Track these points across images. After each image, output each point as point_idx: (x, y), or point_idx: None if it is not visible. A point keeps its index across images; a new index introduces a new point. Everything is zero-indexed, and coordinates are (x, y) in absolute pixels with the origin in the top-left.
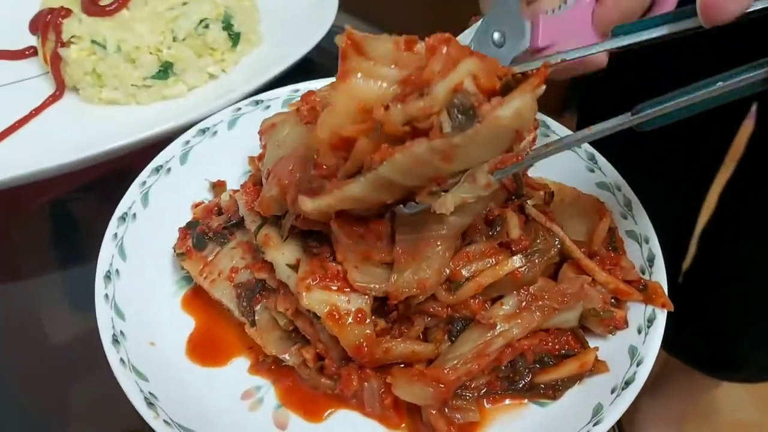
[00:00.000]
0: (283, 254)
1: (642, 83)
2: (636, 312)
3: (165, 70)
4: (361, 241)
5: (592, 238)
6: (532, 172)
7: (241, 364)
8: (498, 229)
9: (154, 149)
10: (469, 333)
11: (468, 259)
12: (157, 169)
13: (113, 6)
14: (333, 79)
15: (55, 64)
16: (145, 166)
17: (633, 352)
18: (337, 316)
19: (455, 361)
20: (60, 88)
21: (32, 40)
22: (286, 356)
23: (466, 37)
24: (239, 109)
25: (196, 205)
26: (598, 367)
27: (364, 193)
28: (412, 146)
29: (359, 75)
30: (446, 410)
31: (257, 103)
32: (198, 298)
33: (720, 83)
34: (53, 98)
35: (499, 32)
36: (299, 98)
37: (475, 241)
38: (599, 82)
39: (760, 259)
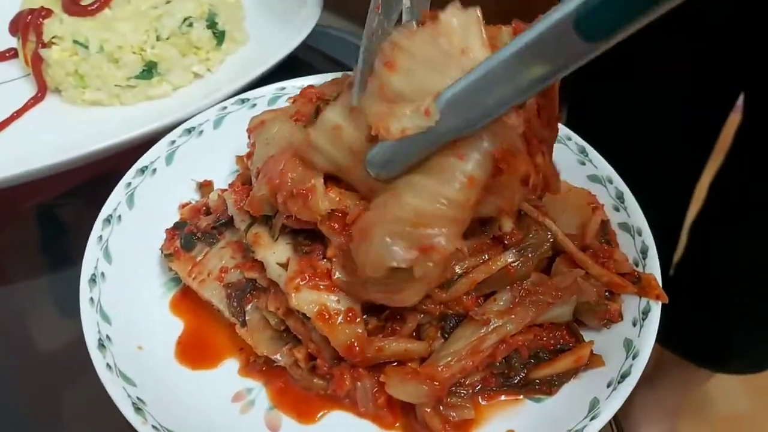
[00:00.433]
0: (273, 253)
1: (630, 78)
2: (630, 304)
3: (149, 70)
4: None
5: (585, 231)
6: None
7: (231, 365)
8: (488, 226)
9: (139, 150)
10: (462, 330)
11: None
12: (143, 170)
13: (95, 5)
14: (320, 76)
15: (37, 65)
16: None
17: (628, 345)
18: (327, 316)
19: (449, 359)
20: (42, 90)
21: (12, 42)
22: (278, 356)
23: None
24: (225, 108)
25: (183, 206)
26: (594, 361)
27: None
28: None
29: None
30: (441, 408)
31: (243, 101)
32: (187, 299)
33: None
34: (35, 100)
35: None
36: (291, 94)
37: (466, 237)
38: (587, 76)
39: (752, 249)
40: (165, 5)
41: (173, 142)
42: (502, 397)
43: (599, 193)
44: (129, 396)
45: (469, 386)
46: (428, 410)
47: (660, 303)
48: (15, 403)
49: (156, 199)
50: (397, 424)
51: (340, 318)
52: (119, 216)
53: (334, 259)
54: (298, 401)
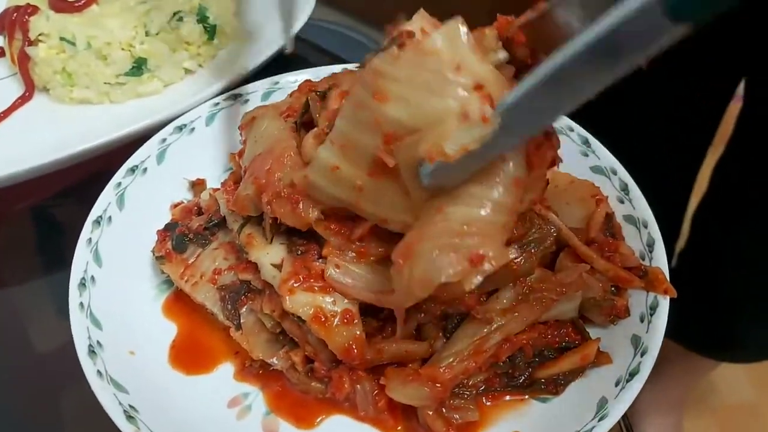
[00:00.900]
0: (267, 254)
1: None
2: (637, 300)
3: (138, 67)
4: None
5: (589, 225)
6: None
7: (227, 370)
8: None
9: (130, 149)
10: (464, 329)
11: None
12: (133, 170)
13: (82, 1)
14: (314, 70)
15: (23, 63)
16: None
17: (636, 341)
18: (323, 318)
19: (451, 359)
20: (29, 89)
21: None
22: (274, 360)
23: None
24: (217, 104)
25: (175, 206)
26: (601, 358)
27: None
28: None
29: None
30: (444, 410)
31: (235, 97)
32: (180, 302)
33: None
34: (23, 99)
35: None
36: (285, 89)
37: None
38: None
39: (754, 238)
40: (154, 0)
41: (164, 140)
42: (507, 398)
43: (603, 185)
44: (121, 404)
45: (472, 387)
46: (430, 413)
47: (668, 297)
48: (4, 409)
49: (147, 200)
50: (399, 428)
51: (336, 320)
52: (109, 217)
53: (329, 258)
54: (295, 406)
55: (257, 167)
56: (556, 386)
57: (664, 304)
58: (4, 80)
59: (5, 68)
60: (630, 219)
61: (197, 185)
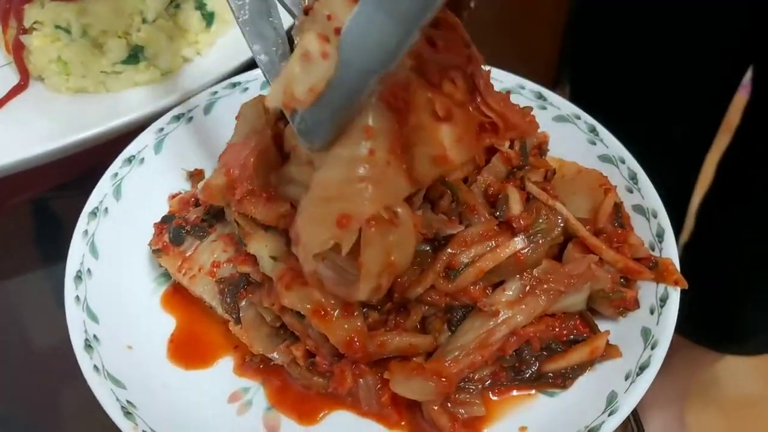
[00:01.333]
0: (266, 246)
1: (632, 58)
2: (647, 291)
3: (135, 55)
4: None
5: (597, 215)
6: None
7: (227, 364)
8: (504, 208)
9: (127, 140)
10: (470, 322)
11: (466, 243)
12: (130, 160)
13: None
14: None
15: (18, 52)
16: None
17: (646, 334)
18: (322, 312)
19: (457, 353)
20: (24, 78)
21: None
22: (275, 354)
23: None
24: (216, 92)
25: (173, 197)
26: (610, 352)
27: None
28: None
29: None
30: (449, 405)
31: (234, 85)
32: (179, 295)
33: None
34: (17, 89)
35: None
36: None
37: (472, 223)
38: (591, 52)
39: (760, 231)
40: None
41: (161, 129)
42: (514, 392)
43: (611, 174)
44: (118, 399)
45: (478, 381)
46: (435, 408)
47: (679, 289)
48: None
49: (144, 190)
50: (403, 423)
51: (336, 312)
52: (106, 209)
53: None
54: (297, 401)
55: (231, 157)
56: (564, 380)
57: (675, 296)
58: None
59: (0, 57)
60: (639, 209)
61: (195, 175)
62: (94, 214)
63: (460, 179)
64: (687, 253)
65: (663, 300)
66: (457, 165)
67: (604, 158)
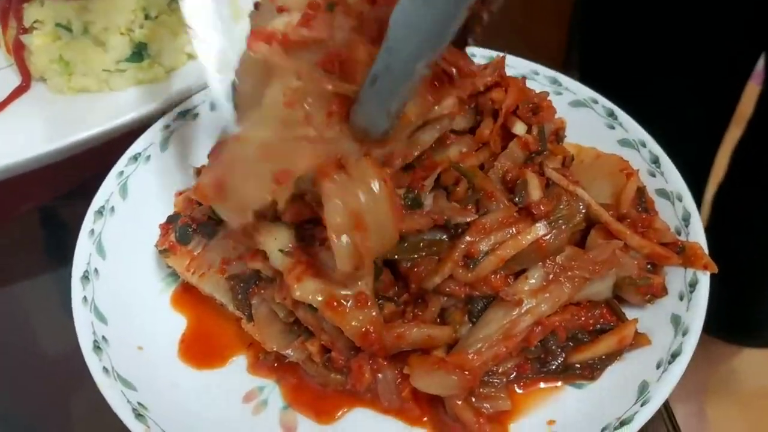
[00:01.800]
0: (275, 239)
1: (642, 41)
2: (675, 277)
3: (138, 52)
4: None
5: (620, 200)
6: None
7: (240, 363)
8: (522, 194)
9: (132, 137)
10: (492, 312)
11: (485, 230)
12: (135, 158)
13: None
14: None
15: (19, 52)
16: None
17: (676, 321)
18: (335, 304)
19: (479, 345)
20: (26, 79)
21: None
22: (289, 351)
23: None
24: None
25: (180, 194)
26: (639, 340)
27: None
28: None
29: None
30: (473, 400)
31: None
32: (189, 294)
33: None
34: (19, 90)
35: None
36: None
37: (490, 209)
38: (599, 37)
39: None
40: None
41: (167, 126)
42: (540, 385)
43: (632, 159)
44: (129, 402)
45: (502, 374)
46: (459, 403)
47: (708, 273)
48: (8, 408)
49: (151, 188)
50: (425, 419)
51: (349, 303)
52: (112, 207)
53: None
54: (314, 399)
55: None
56: (592, 371)
57: (705, 281)
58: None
59: (1, 59)
60: (663, 193)
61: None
62: (100, 212)
63: (475, 165)
64: None
65: (692, 285)
66: (410, 119)
67: (624, 143)
